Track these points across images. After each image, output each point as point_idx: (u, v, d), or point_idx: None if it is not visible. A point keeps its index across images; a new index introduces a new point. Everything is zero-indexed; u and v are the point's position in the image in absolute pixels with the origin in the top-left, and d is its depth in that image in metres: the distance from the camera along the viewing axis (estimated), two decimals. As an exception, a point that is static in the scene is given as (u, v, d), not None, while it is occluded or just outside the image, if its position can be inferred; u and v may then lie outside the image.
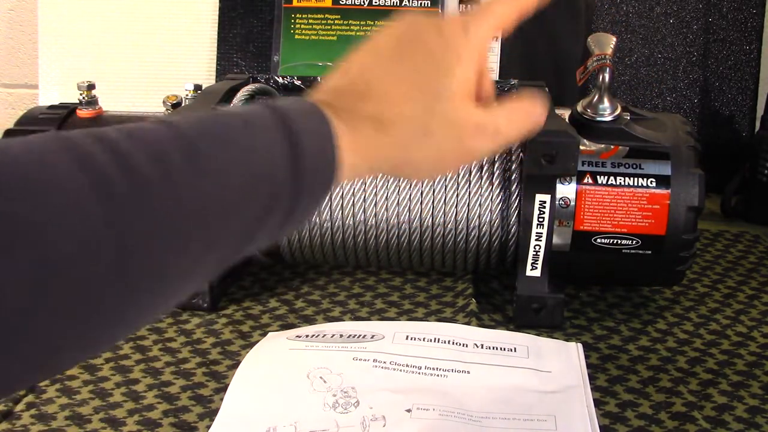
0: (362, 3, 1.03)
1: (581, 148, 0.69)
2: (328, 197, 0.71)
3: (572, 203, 0.69)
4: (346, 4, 1.03)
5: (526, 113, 0.50)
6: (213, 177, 0.36)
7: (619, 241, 0.69)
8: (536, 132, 0.52)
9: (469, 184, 0.71)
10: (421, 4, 1.02)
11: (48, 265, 0.30)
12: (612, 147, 0.70)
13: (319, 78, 0.86)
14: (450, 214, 0.71)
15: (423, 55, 0.47)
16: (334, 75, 0.48)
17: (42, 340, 0.31)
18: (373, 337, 0.67)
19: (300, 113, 0.41)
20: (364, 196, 0.71)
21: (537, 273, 0.70)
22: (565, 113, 0.73)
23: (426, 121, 0.46)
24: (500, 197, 0.71)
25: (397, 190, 0.71)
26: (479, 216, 0.71)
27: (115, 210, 0.32)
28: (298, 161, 0.40)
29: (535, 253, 0.69)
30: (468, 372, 0.63)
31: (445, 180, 0.71)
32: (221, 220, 0.37)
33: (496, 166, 0.71)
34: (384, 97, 0.46)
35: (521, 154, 0.71)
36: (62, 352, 0.33)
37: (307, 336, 0.67)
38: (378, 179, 0.71)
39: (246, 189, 0.38)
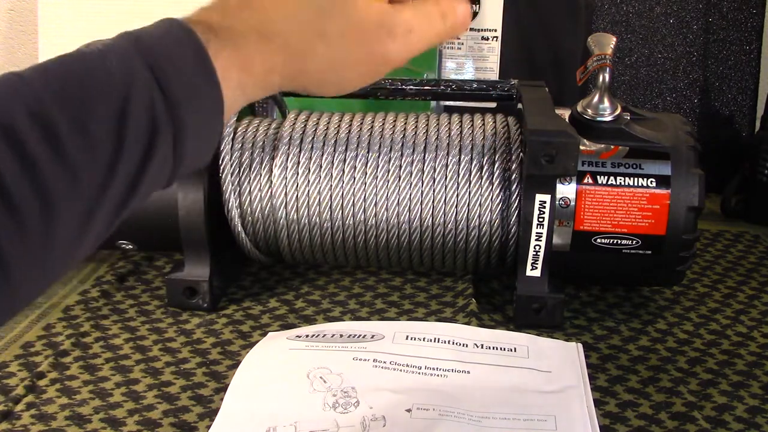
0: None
1: (581, 148, 0.69)
2: (322, 196, 0.71)
3: (572, 203, 0.69)
4: (346, 4, 1.03)
5: (443, 7, 0.45)
6: (77, 136, 0.34)
7: (619, 241, 0.69)
8: (460, 30, 0.47)
9: (469, 184, 0.71)
10: (421, 4, 1.02)
11: None
12: (612, 147, 0.70)
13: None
14: (450, 214, 0.71)
15: None
16: None
17: None
18: (373, 337, 0.67)
19: (163, 41, 0.38)
20: (364, 196, 0.71)
21: (537, 273, 0.70)
22: (565, 113, 0.73)
23: (318, 22, 0.42)
24: (500, 197, 0.71)
25: (397, 190, 0.71)
26: (479, 216, 0.71)
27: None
28: (167, 93, 0.37)
29: (535, 253, 0.69)
30: (468, 372, 0.63)
31: (445, 180, 0.71)
32: (94, 175, 0.35)
33: (496, 166, 0.71)
34: (268, 2, 0.42)
35: (521, 154, 0.71)
36: None
37: (307, 336, 0.67)
38: (378, 179, 0.71)
39: (115, 131, 0.35)
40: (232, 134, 0.74)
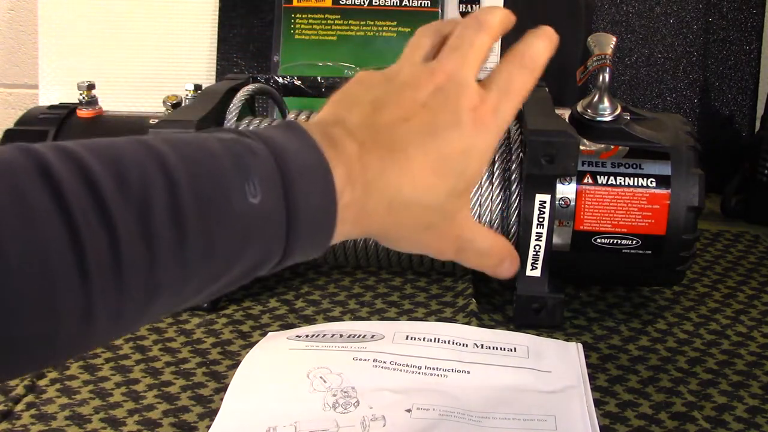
0: (362, 3, 1.03)
1: (581, 148, 0.69)
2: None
3: (572, 203, 0.69)
4: (346, 4, 1.03)
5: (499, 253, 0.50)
6: (197, 237, 0.35)
7: (619, 241, 0.69)
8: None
9: (469, 184, 0.71)
10: (421, 3, 1.02)
11: (5, 287, 0.29)
12: (612, 147, 0.70)
13: (318, 78, 0.86)
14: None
15: (458, 140, 0.43)
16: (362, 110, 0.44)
17: None
18: (373, 337, 0.67)
19: (306, 173, 0.38)
20: (364, 196, 0.71)
21: (537, 273, 0.70)
22: (565, 113, 0.73)
23: (435, 214, 0.44)
24: (500, 197, 0.71)
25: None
26: (479, 216, 0.71)
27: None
28: (290, 233, 0.38)
29: (535, 253, 0.69)
30: (468, 372, 0.63)
31: (445, 180, 0.71)
32: (202, 278, 0.36)
33: (496, 166, 0.71)
34: (410, 165, 0.42)
35: (521, 154, 0.71)
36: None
37: (307, 336, 0.67)
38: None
39: (232, 249, 0.36)
40: (232, 134, 0.74)
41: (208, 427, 0.57)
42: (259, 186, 0.36)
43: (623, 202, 0.68)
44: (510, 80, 0.47)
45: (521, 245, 0.69)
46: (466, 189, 0.45)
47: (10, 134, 0.80)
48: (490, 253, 0.49)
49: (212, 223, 0.35)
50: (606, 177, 0.69)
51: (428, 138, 0.43)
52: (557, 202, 0.68)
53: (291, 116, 0.76)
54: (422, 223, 0.44)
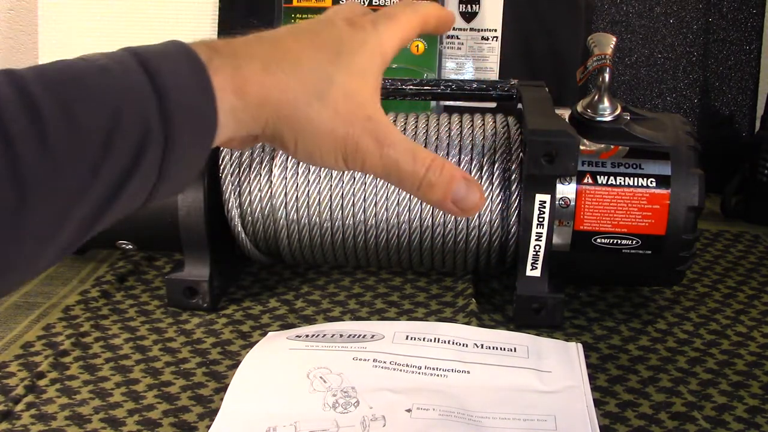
0: (362, 3, 1.03)
1: (581, 148, 0.69)
2: (322, 196, 0.71)
3: (572, 203, 0.69)
4: (346, 4, 1.03)
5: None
6: (68, 125, 0.34)
7: (619, 241, 0.69)
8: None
9: (469, 184, 0.71)
10: (421, 4, 1.02)
11: None
12: (612, 147, 0.70)
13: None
14: (450, 214, 0.71)
15: (330, 32, 0.44)
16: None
17: None
18: (373, 337, 0.67)
19: (164, 56, 0.38)
20: (364, 196, 0.71)
21: (537, 273, 0.70)
22: (565, 113, 0.73)
23: (321, 79, 0.42)
24: (500, 197, 0.71)
25: (397, 190, 0.71)
26: (479, 216, 0.71)
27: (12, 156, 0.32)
28: (163, 107, 0.36)
29: (535, 253, 0.69)
30: (468, 372, 0.63)
31: (445, 180, 0.71)
32: (84, 167, 0.34)
33: (496, 166, 0.71)
34: (280, 43, 0.42)
35: (521, 154, 0.71)
36: None
37: (307, 336, 0.67)
38: (378, 179, 0.71)
39: (106, 131, 0.35)
40: (232, 134, 0.74)
41: (208, 427, 0.57)
42: (117, 65, 0.37)
43: (623, 202, 0.68)
44: (395, 11, 0.48)
45: (521, 245, 0.69)
46: (352, 67, 0.43)
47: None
48: (417, 156, 0.44)
49: (68, 100, 0.34)
50: (606, 177, 0.69)
51: (300, 31, 0.44)
52: (557, 202, 0.68)
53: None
54: (311, 87, 0.42)
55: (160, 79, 0.37)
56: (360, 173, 0.71)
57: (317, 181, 0.72)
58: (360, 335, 0.67)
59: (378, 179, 0.71)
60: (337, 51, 0.43)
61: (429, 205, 0.71)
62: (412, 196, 0.71)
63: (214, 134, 0.39)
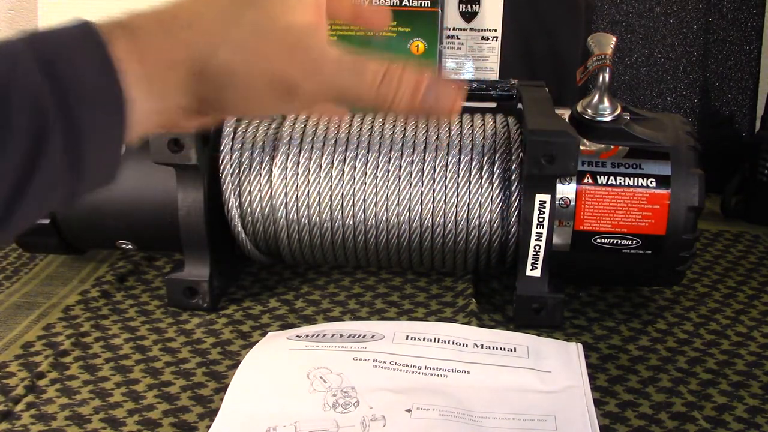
0: (362, 3, 1.03)
1: (581, 148, 0.69)
2: (322, 196, 0.71)
3: (572, 203, 0.69)
4: (346, 4, 1.03)
5: (396, 73, 0.41)
6: None
7: (619, 241, 0.69)
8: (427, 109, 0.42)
9: (469, 184, 0.71)
10: (421, 3, 1.02)
11: None
12: (612, 147, 0.70)
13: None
14: (450, 214, 0.71)
15: None
16: None
17: None
18: (373, 337, 0.67)
19: (58, 32, 0.36)
20: (364, 196, 0.71)
21: (537, 273, 0.70)
22: (565, 113, 0.73)
23: (230, 18, 0.39)
24: (500, 197, 0.71)
25: (397, 190, 0.71)
26: (479, 216, 0.71)
27: None
28: (55, 81, 0.34)
29: (535, 253, 0.69)
30: (468, 372, 0.63)
31: (445, 180, 0.71)
32: None
33: (496, 166, 0.71)
34: (181, 3, 0.39)
35: (521, 154, 0.71)
36: None
37: (307, 336, 0.67)
38: (378, 179, 0.71)
39: None
40: (232, 134, 0.74)
41: (208, 427, 0.57)
42: (3, 47, 0.34)
43: (623, 202, 0.68)
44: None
45: (521, 245, 0.69)
46: None
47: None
48: (364, 70, 0.40)
49: None
50: (606, 177, 0.69)
51: None
52: (557, 202, 0.68)
53: (291, 116, 0.76)
54: (216, 34, 0.39)
55: (51, 58, 0.34)
56: (359, 174, 0.71)
57: (317, 181, 0.72)
58: (360, 335, 0.67)
59: (378, 179, 0.71)
60: None
61: (429, 205, 0.71)
62: (412, 196, 0.71)
63: (124, 108, 0.36)
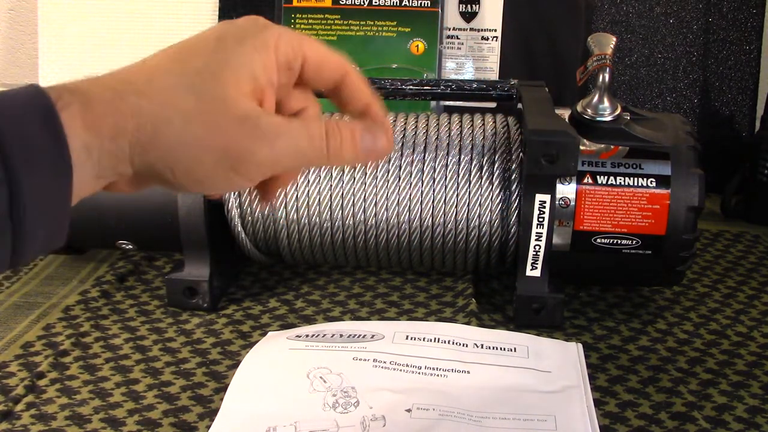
0: (362, 3, 1.03)
1: (581, 148, 0.69)
2: (322, 196, 0.71)
3: (572, 203, 0.69)
4: (346, 4, 1.03)
5: (330, 128, 0.41)
6: None
7: (619, 241, 0.69)
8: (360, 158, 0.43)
9: (469, 184, 0.71)
10: (421, 3, 1.02)
11: None
12: (612, 147, 0.70)
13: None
14: (450, 214, 0.71)
15: (199, 37, 0.40)
16: None
17: None
18: (373, 337, 0.67)
19: (7, 95, 0.35)
20: (364, 196, 0.71)
21: (537, 273, 0.70)
22: (565, 113, 0.73)
23: (180, 93, 0.38)
24: (500, 197, 0.71)
25: (397, 190, 0.71)
26: (479, 216, 0.71)
27: None
28: (1, 146, 0.33)
29: (535, 253, 0.69)
30: (468, 372, 0.63)
31: (445, 180, 0.71)
32: None
33: (496, 166, 0.71)
34: (138, 68, 0.39)
35: (521, 154, 0.71)
36: None
37: (307, 336, 0.67)
38: (378, 179, 0.71)
39: None
40: (232, 134, 0.74)
41: (208, 427, 0.57)
42: None
43: (623, 202, 0.68)
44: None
45: (521, 245, 0.69)
46: (214, 66, 0.39)
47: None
48: (311, 133, 0.41)
49: None
50: (606, 177, 0.69)
51: (169, 48, 0.40)
52: (557, 202, 0.68)
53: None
54: (168, 104, 0.38)
55: None
56: (359, 174, 0.71)
57: (317, 181, 0.72)
58: (360, 335, 0.67)
59: (378, 179, 0.71)
60: (196, 52, 0.39)
61: (429, 205, 0.71)
62: (412, 196, 0.71)
63: (69, 175, 0.35)
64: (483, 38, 1.03)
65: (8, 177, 0.33)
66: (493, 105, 0.88)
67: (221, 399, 0.60)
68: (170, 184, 0.39)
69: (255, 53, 0.40)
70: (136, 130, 0.37)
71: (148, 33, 1.13)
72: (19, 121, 0.34)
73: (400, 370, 0.63)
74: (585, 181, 0.69)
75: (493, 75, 1.03)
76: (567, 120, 0.72)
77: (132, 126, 0.37)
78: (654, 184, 0.68)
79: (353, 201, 0.71)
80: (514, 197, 0.70)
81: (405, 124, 0.74)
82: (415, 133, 0.73)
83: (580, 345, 0.67)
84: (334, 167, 0.71)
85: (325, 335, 0.67)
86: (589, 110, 0.72)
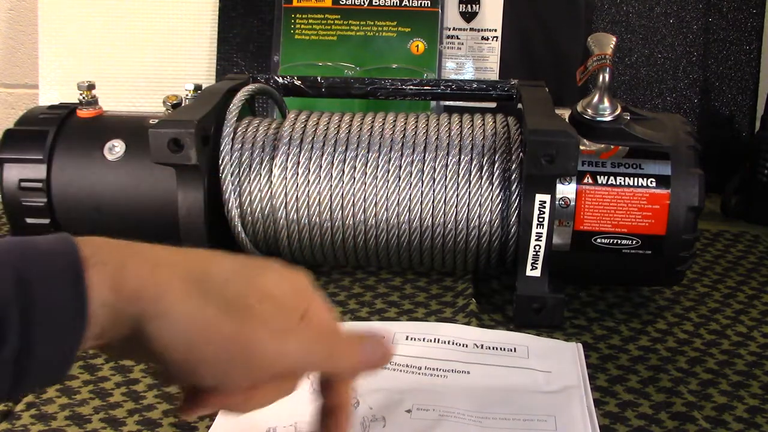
0: (362, 3, 1.03)
1: (581, 148, 0.69)
2: (322, 196, 0.71)
3: (572, 203, 0.69)
4: (346, 4, 1.03)
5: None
6: None
7: (619, 241, 0.69)
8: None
9: (469, 184, 0.71)
10: (421, 3, 1.02)
11: None
12: (612, 147, 0.70)
13: (318, 78, 0.86)
14: (450, 214, 0.71)
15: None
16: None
17: None
18: (373, 337, 0.67)
19: (42, 244, 0.38)
20: (364, 196, 0.71)
21: (537, 273, 0.70)
22: (565, 113, 0.73)
23: (205, 273, 0.41)
24: (500, 197, 0.71)
25: (397, 190, 0.71)
26: (479, 216, 0.71)
27: None
28: (22, 291, 0.35)
29: (535, 253, 0.69)
30: (468, 372, 0.63)
31: (445, 180, 0.71)
32: None
33: (496, 166, 0.71)
34: (181, 251, 0.42)
35: (521, 154, 0.71)
36: None
37: (307, 336, 0.67)
38: (378, 179, 0.71)
39: None
40: (232, 134, 0.74)
41: (208, 427, 0.57)
42: None
43: (623, 202, 0.68)
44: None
45: (521, 245, 0.69)
46: (245, 269, 0.43)
47: (10, 134, 0.80)
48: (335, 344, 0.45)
49: None
50: (606, 177, 0.69)
51: (213, 254, 0.43)
52: (557, 202, 0.68)
53: (291, 116, 0.76)
54: (192, 280, 0.40)
55: (25, 269, 0.36)
56: (359, 174, 0.71)
57: (317, 181, 0.72)
58: (360, 335, 0.67)
59: (378, 179, 0.71)
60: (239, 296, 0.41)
61: (429, 205, 0.71)
62: (412, 196, 0.71)
63: (84, 328, 0.37)
64: (483, 38, 1.03)
65: (23, 330, 0.35)
66: (493, 105, 0.88)
67: (221, 399, 0.60)
68: (154, 358, 0.39)
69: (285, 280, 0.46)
70: (152, 298, 0.38)
71: (148, 33, 1.13)
72: (47, 269, 0.36)
73: (400, 371, 0.63)
74: (585, 181, 0.69)
75: (493, 75, 1.03)
76: (567, 120, 0.72)
77: (151, 294, 0.39)
78: (654, 184, 0.68)
79: (353, 201, 0.71)
80: (514, 197, 0.70)
81: (405, 124, 0.74)
82: (415, 133, 0.73)
83: (580, 345, 0.67)
84: (334, 167, 0.71)
85: (325, 335, 0.67)
86: (589, 110, 0.72)
